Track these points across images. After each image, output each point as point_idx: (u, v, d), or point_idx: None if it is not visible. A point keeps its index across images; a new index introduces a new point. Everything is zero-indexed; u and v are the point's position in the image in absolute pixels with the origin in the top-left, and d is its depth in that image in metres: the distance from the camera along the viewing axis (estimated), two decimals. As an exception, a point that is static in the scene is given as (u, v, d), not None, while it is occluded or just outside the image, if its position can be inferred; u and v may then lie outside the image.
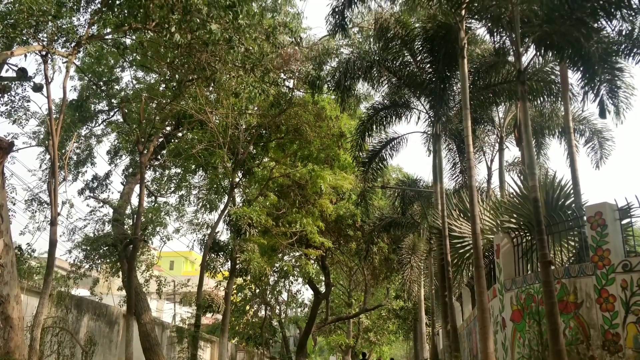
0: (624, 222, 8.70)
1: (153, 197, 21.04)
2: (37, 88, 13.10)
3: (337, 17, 12.87)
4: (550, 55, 12.45)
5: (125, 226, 18.34)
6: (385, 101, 17.23)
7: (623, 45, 11.52)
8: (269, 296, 29.07)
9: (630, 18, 9.61)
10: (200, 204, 22.22)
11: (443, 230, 14.03)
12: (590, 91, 10.52)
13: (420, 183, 24.47)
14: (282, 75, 19.09)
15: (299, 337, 32.80)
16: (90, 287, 19.84)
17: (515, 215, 11.52)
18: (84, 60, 17.97)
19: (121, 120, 18.92)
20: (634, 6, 8.99)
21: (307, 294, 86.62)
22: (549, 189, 11.24)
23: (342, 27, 13.04)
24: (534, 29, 9.55)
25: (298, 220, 20.42)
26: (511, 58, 13.14)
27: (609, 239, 8.30)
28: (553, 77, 14.32)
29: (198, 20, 11.79)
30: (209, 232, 20.86)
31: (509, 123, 19.31)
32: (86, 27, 13.00)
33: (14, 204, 14.92)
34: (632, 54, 11.73)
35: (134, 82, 19.56)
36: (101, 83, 18.30)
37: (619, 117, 12.63)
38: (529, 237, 10.52)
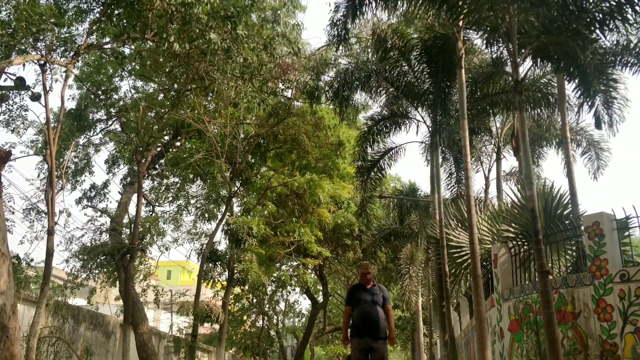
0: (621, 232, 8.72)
1: (151, 207, 21.02)
2: (35, 97, 13.11)
3: (339, 29, 12.88)
4: (547, 66, 12.53)
5: (122, 236, 18.31)
6: (384, 111, 17.27)
7: (619, 57, 11.63)
8: (267, 306, 28.98)
9: (621, 30, 9.68)
10: (199, 214, 22.22)
11: (441, 239, 14.03)
12: (586, 102, 10.57)
13: (418, 192, 24.53)
14: (281, 85, 19.15)
15: (296, 347, 32.66)
16: (87, 296, 19.75)
17: (513, 225, 11.54)
18: (82, 69, 18.00)
19: (119, 129, 18.93)
20: (629, 19, 9.05)
21: (304, 304, 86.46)
22: (547, 198, 11.27)
23: (344, 39, 13.07)
24: (531, 39, 9.60)
25: (296, 229, 20.42)
26: (508, 68, 13.25)
27: (607, 249, 8.30)
28: (550, 87, 14.39)
29: (197, 30, 11.84)
30: (206, 241, 20.83)
31: (507, 133, 19.38)
32: (85, 36, 13.05)
33: (12, 213, 14.89)
34: (629, 65, 11.84)
35: (133, 91, 19.61)
36: (100, 92, 18.32)
37: (612, 128, 12.76)
38: (527, 247, 10.52)
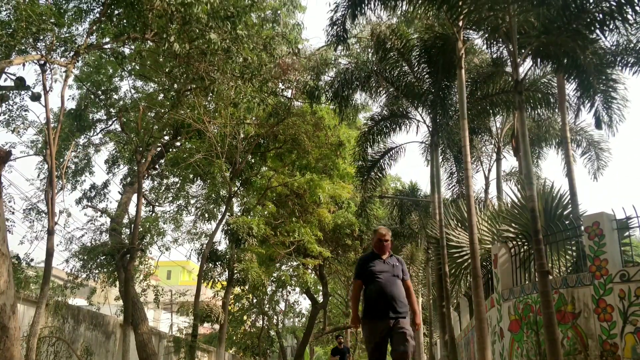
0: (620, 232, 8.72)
1: (151, 207, 21.02)
2: (35, 97, 13.10)
3: (338, 29, 12.87)
4: (547, 66, 12.53)
5: (122, 236, 18.31)
6: (384, 112, 17.28)
7: (619, 57, 11.64)
8: (267, 306, 28.98)
9: (621, 30, 9.69)
10: (199, 214, 22.22)
11: (441, 240, 14.03)
12: (586, 102, 10.59)
13: (418, 192, 24.55)
14: (281, 85, 19.15)
15: (296, 347, 32.66)
16: (87, 296, 19.73)
17: (513, 225, 11.54)
18: (82, 69, 18.01)
19: (119, 129, 18.93)
20: (629, 19, 9.05)
21: (304, 304, 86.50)
22: (547, 198, 11.27)
23: (343, 39, 13.07)
24: (531, 39, 9.60)
25: (296, 229, 20.42)
26: (508, 68, 13.25)
27: (607, 249, 8.30)
28: (550, 87, 14.40)
29: (197, 30, 11.84)
30: (206, 241, 20.83)
31: (507, 133, 19.40)
32: (85, 36, 13.04)
33: (12, 213, 14.87)
34: (629, 65, 11.85)
35: (133, 91, 19.61)
36: (100, 92, 18.32)
37: (612, 128, 12.78)
38: (527, 247, 10.52)
